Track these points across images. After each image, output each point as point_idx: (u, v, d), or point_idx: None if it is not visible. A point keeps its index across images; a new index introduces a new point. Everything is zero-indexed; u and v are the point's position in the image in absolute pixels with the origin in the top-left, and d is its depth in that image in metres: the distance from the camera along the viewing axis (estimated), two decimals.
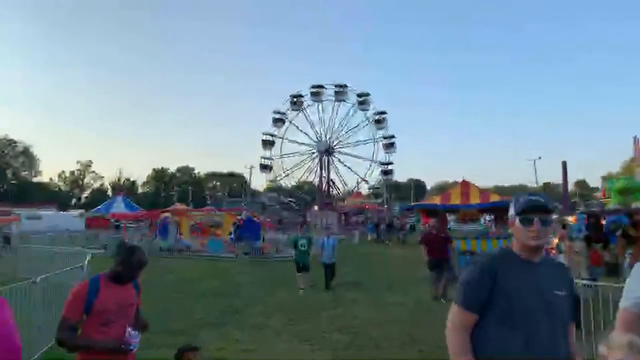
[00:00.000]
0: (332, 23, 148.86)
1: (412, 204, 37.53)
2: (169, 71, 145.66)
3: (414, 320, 8.05)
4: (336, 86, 55.68)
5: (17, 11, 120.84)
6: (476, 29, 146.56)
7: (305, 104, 57.21)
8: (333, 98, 56.29)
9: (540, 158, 61.30)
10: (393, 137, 54.70)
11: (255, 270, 15.67)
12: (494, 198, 26.05)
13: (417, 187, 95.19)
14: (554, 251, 8.59)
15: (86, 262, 7.92)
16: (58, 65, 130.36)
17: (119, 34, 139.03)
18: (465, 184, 26.84)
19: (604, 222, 8.56)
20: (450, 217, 31.64)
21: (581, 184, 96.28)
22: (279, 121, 57.19)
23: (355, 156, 57.23)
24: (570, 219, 8.85)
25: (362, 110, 55.43)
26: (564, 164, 8.71)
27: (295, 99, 56.71)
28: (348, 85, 56.04)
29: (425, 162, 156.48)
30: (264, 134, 57.37)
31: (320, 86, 56.21)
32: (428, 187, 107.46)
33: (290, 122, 57.70)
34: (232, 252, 20.45)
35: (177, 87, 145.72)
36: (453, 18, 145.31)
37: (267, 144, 57.33)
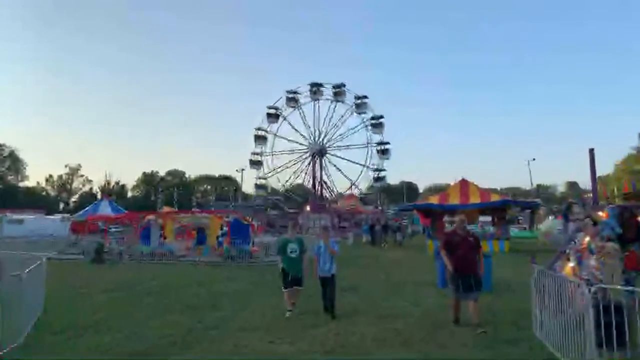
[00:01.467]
0: (332, 23, 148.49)
1: (409, 204, 36.41)
2: (163, 73, 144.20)
3: (426, 337, 6.78)
4: (334, 86, 54.44)
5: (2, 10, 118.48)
6: (474, 29, 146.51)
7: (301, 101, 55.94)
8: (330, 97, 55.04)
9: (534, 159, 60.87)
10: (388, 143, 53.59)
11: (243, 276, 14.39)
12: (495, 197, 25.03)
13: (410, 189, 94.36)
14: (585, 253, 7.42)
15: (27, 270, 6.60)
16: (45, 67, 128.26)
17: (112, 35, 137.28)
18: (464, 183, 25.78)
19: None
20: (446, 219, 30.58)
21: (572, 185, 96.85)
22: (272, 116, 55.88)
23: (347, 160, 56.07)
24: (601, 214, 7.61)
25: (359, 113, 54.18)
26: (591, 152, 7.63)
27: (291, 95, 55.37)
28: (346, 85, 54.76)
29: (417, 165, 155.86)
30: (256, 129, 55.96)
31: (319, 84, 55.06)
32: (420, 190, 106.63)
33: (285, 118, 56.39)
34: (220, 256, 19.21)
35: (171, 89, 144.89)
36: (451, 18, 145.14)
37: (259, 139, 55.95)
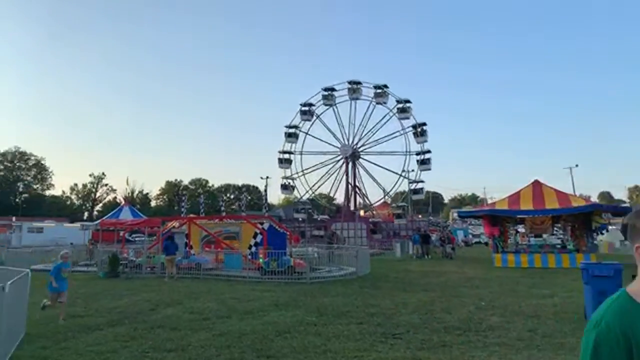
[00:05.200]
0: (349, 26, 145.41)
1: (473, 209, 32.50)
2: (184, 81, 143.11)
3: None
4: (375, 87, 49.47)
5: (25, 16, 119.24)
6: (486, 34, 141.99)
7: (337, 100, 51.88)
8: (369, 98, 50.73)
9: (577, 166, 56.44)
10: (429, 152, 48.11)
11: (294, 300, 10.94)
12: (578, 202, 21.00)
13: (435, 200, 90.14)
14: None
15: None
16: (69, 74, 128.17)
17: (136, 39, 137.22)
18: (537, 185, 21.84)
19: None
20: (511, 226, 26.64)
21: (606, 196, 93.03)
22: (292, 136, 51.95)
23: (383, 167, 51.54)
24: None
25: (401, 118, 48.90)
26: None
27: (327, 93, 51.45)
28: (389, 87, 50.22)
29: (439, 175, 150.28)
30: (280, 152, 52.55)
31: (358, 82, 50.76)
32: (445, 200, 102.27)
33: (318, 117, 52.59)
34: (255, 269, 16.04)
35: (199, 96, 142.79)
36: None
37: (284, 162, 52.35)
